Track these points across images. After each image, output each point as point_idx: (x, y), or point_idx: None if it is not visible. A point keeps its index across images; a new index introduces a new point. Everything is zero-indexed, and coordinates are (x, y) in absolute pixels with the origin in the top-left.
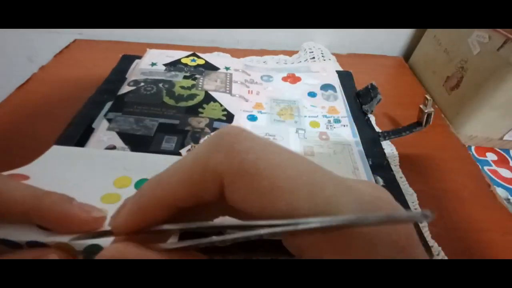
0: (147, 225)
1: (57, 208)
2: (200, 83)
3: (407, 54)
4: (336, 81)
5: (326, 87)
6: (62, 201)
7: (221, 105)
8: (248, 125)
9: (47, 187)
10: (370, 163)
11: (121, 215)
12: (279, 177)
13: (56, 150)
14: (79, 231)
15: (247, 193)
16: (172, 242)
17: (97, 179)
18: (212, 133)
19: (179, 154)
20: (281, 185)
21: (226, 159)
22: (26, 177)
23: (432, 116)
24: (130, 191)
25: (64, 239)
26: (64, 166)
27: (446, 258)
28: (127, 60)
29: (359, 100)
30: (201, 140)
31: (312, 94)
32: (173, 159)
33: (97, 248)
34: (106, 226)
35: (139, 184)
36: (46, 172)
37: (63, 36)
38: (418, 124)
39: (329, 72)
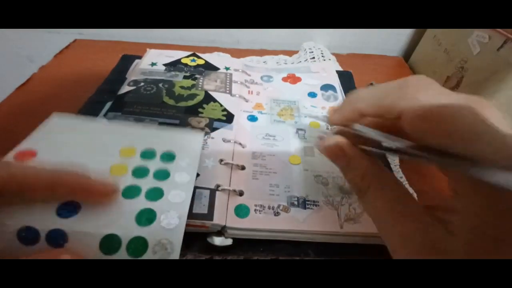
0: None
1: (79, 180)
2: (200, 83)
3: (407, 54)
4: (336, 82)
5: (326, 87)
6: (82, 175)
7: (221, 105)
8: (248, 126)
9: (55, 161)
10: None
11: (337, 113)
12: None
13: (57, 119)
14: (98, 202)
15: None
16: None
17: (103, 150)
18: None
19: None
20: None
21: (404, 101)
22: (33, 153)
23: None
24: (136, 160)
25: (85, 228)
26: (68, 138)
27: None
28: (127, 60)
29: None
30: None
31: (312, 95)
32: (171, 131)
33: (114, 238)
34: (119, 200)
35: (144, 154)
36: (52, 145)
37: (63, 36)
38: None
39: (329, 72)
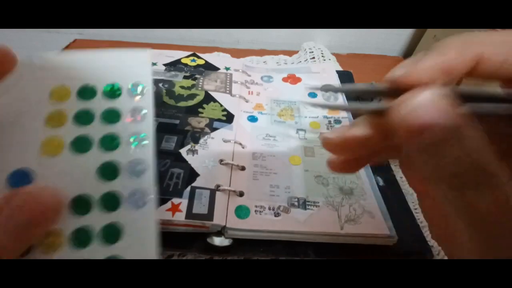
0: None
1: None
2: (200, 83)
3: (407, 54)
4: (336, 82)
5: None
6: None
7: (221, 105)
8: (248, 126)
9: None
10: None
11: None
12: None
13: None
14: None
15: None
16: None
17: (32, 96)
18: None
19: (179, 154)
20: None
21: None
22: None
23: None
24: (73, 103)
25: None
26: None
27: (446, 258)
28: None
29: (359, 100)
30: (201, 141)
31: (312, 95)
32: (108, 56)
33: (83, 198)
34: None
35: (81, 92)
36: None
37: (63, 36)
38: None
39: (329, 73)
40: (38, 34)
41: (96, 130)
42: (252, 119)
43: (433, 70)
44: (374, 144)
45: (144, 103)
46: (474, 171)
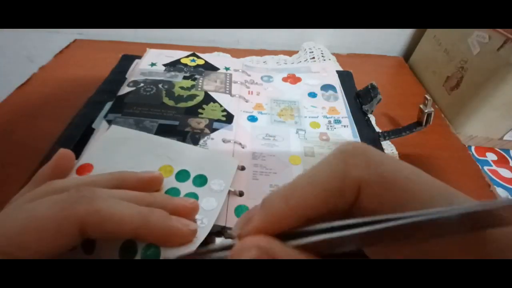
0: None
1: (162, 225)
2: (200, 84)
3: (407, 54)
4: (336, 82)
5: (326, 87)
6: (163, 217)
7: (221, 106)
8: (248, 126)
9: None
10: None
11: (249, 225)
12: (414, 188)
13: (114, 131)
14: (179, 243)
15: (383, 200)
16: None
17: (146, 165)
18: (338, 147)
19: None
20: (416, 195)
21: (367, 169)
22: (90, 167)
23: (432, 116)
24: (171, 181)
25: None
26: (118, 150)
27: None
28: (127, 60)
29: (359, 100)
30: (201, 141)
31: (312, 95)
32: (208, 153)
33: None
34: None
35: (179, 175)
36: (104, 158)
37: (63, 36)
38: (418, 124)
39: (330, 72)
40: (38, 34)
41: None
42: (252, 119)
43: (262, 227)
44: None
45: (218, 199)
46: None
